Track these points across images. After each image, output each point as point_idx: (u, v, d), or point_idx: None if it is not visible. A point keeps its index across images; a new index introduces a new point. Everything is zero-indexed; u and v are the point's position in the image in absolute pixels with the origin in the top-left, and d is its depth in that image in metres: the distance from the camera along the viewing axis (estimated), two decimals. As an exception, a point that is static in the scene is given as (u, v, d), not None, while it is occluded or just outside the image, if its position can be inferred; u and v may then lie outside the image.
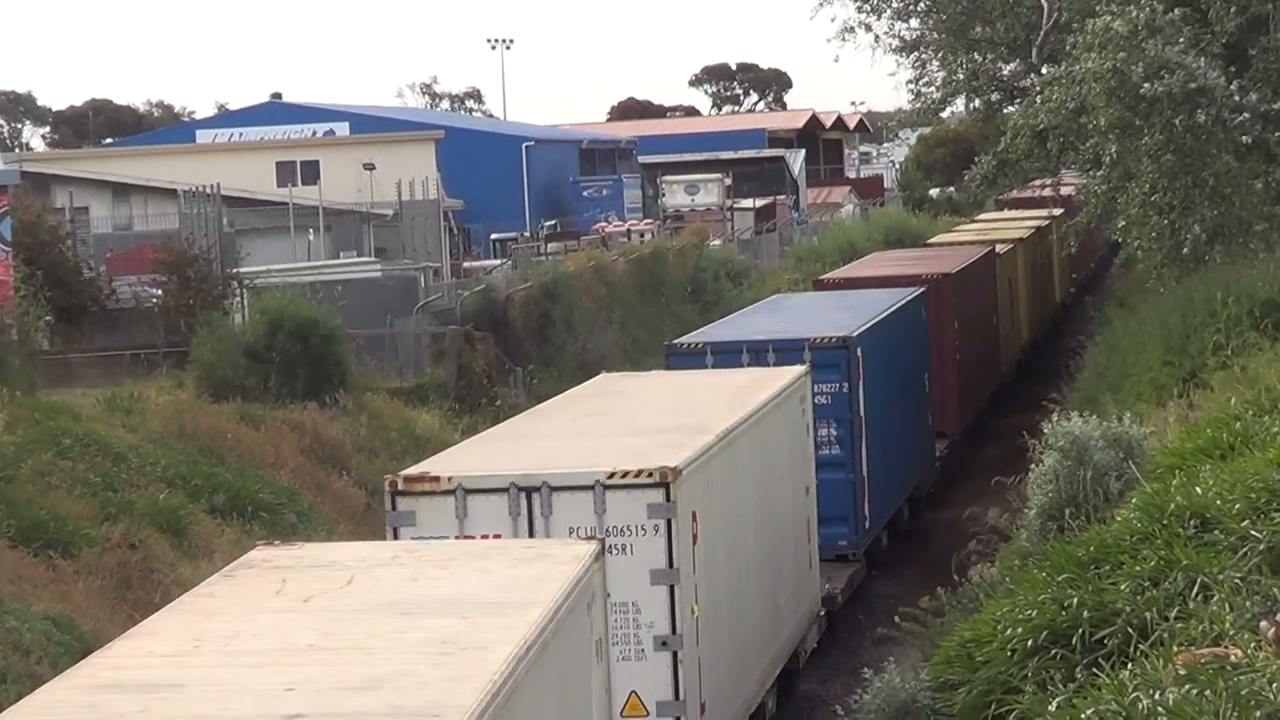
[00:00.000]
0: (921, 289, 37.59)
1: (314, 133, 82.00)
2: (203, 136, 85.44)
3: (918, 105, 49.57)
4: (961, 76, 47.49)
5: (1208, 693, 11.98)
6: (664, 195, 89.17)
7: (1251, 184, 34.79)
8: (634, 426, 21.65)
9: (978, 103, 49.05)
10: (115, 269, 49.96)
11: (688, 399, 23.67)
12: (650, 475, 18.21)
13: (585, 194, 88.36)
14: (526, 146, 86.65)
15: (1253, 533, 15.11)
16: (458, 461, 19.63)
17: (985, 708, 15.42)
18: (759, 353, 28.69)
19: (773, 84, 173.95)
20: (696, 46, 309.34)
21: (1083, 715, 12.66)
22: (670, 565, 18.23)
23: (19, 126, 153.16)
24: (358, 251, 60.74)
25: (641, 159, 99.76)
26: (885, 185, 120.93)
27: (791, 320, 33.04)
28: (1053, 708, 13.56)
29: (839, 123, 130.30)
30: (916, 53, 47.87)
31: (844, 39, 48.24)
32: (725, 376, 26.27)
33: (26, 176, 56.06)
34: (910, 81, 48.32)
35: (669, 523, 18.21)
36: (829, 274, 46.22)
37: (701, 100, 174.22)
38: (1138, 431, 21.91)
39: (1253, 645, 12.87)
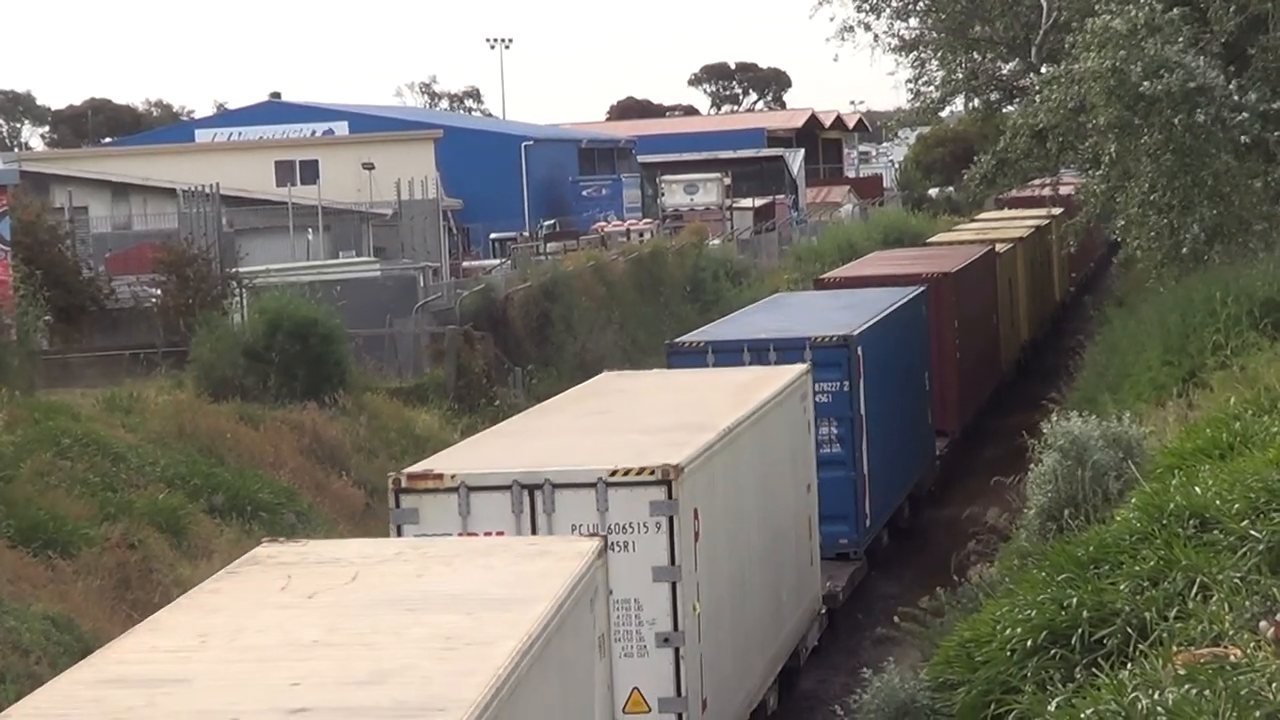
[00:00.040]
0: (922, 288, 37.64)
1: (313, 132, 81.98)
2: (202, 136, 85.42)
3: (917, 104, 49.56)
4: (961, 76, 47.48)
5: (1207, 693, 11.97)
6: (663, 195, 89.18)
7: (1251, 183, 34.78)
8: (636, 424, 21.70)
9: (977, 102, 49.07)
10: (114, 269, 49.97)
11: (689, 397, 23.72)
12: (652, 473, 18.28)
13: (584, 193, 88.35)
14: (526, 146, 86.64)
15: (1252, 532, 15.10)
16: (461, 459, 19.69)
17: (985, 708, 15.41)
18: (760, 351, 28.74)
19: (772, 83, 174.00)
20: (696, 46, 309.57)
21: (1082, 715, 12.66)
22: (672, 562, 18.30)
23: (18, 126, 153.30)
24: (357, 251, 60.73)
25: (640, 158, 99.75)
26: (884, 185, 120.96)
27: (792, 319, 33.08)
28: (1052, 708, 13.55)
29: (838, 122, 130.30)
30: (916, 52, 47.86)
31: (843, 38, 48.27)
32: (726, 375, 26.33)
33: (26, 176, 56.10)
34: (909, 81, 48.35)
35: (671, 520, 18.27)
36: (829, 273, 46.26)
37: (701, 100, 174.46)
38: (1137, 431, 21.91)
39: (1252, 645, 12.86)
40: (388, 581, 12.96)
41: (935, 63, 47.62)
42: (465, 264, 65.74)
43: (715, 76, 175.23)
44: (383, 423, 40.27)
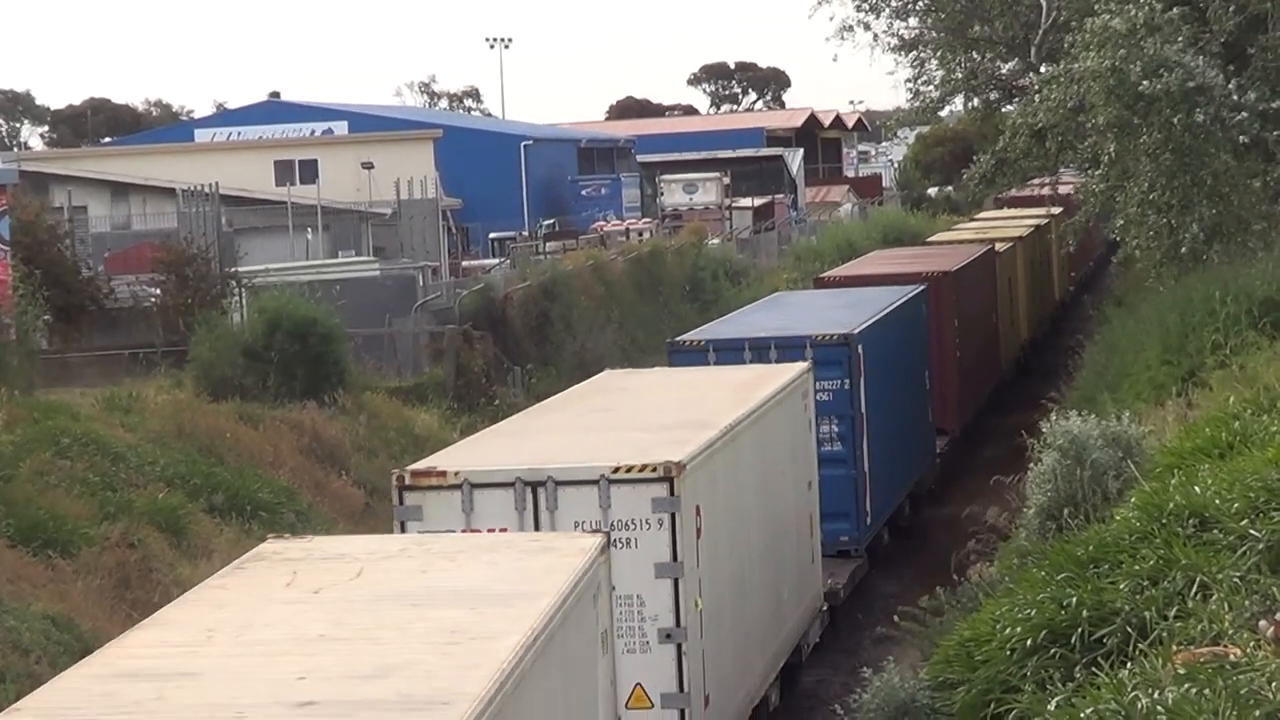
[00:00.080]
0: (922, 287, 37.73)
1: (312, 132, 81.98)
2: (201, 136, 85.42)
3: (916, 104, 49.55)
4: (960, 75, 47.49)
5: (1207, 692, 11.97)
6: (662, 194, 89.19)
7: (1250, 183, 34.78)
8: (638, 422, 21.79)
9: (976, 101, 49.07)
10: (114, 268, 49.97)
11: (691, 395, 23.82)
12: (654, 470, 18.36)
13: (584, 193, 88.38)
14: (525, 145, 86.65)
15: (1251, 532, 15.10)
16: (464, 456, 19.79)
17: (984, 707, 15.42)
18: (761, 350, 28.83)
19: (771, 83, 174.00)
20: (695, 45, 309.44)
21: (1082, 714, 12.66)
22: (674, 559, 18.39)
23: (17, 126, 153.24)
24: (356, 251, 60.73)
25: (640, 158, 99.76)
26: (884, 184, 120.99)
27: (793, 317, 33.17)
28: (1052, 707, 13.56)
29: (837, 121, 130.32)
30: (915, 51, 47.86)
31: (842, 38, 48.27)
32: (728, 373, 26.44)
33: (25, 176, 56.12)
34: (909, 80, 48.34)
35: (673, 517, 18.36)
36: (830, 272, 46.34)
37: (700, 99, 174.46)
38: (1136, 431, 21.90)
39: (1252, 644, 12.86)
40: (392, 577, 13.05)
41: (934, 62, 47.63)
42: (464, 263, 65.74)
43: (714, 76, 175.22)
44: (382, 422, 40.28)
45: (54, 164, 72.81)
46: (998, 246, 49.80)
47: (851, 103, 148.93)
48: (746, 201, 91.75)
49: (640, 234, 75.01)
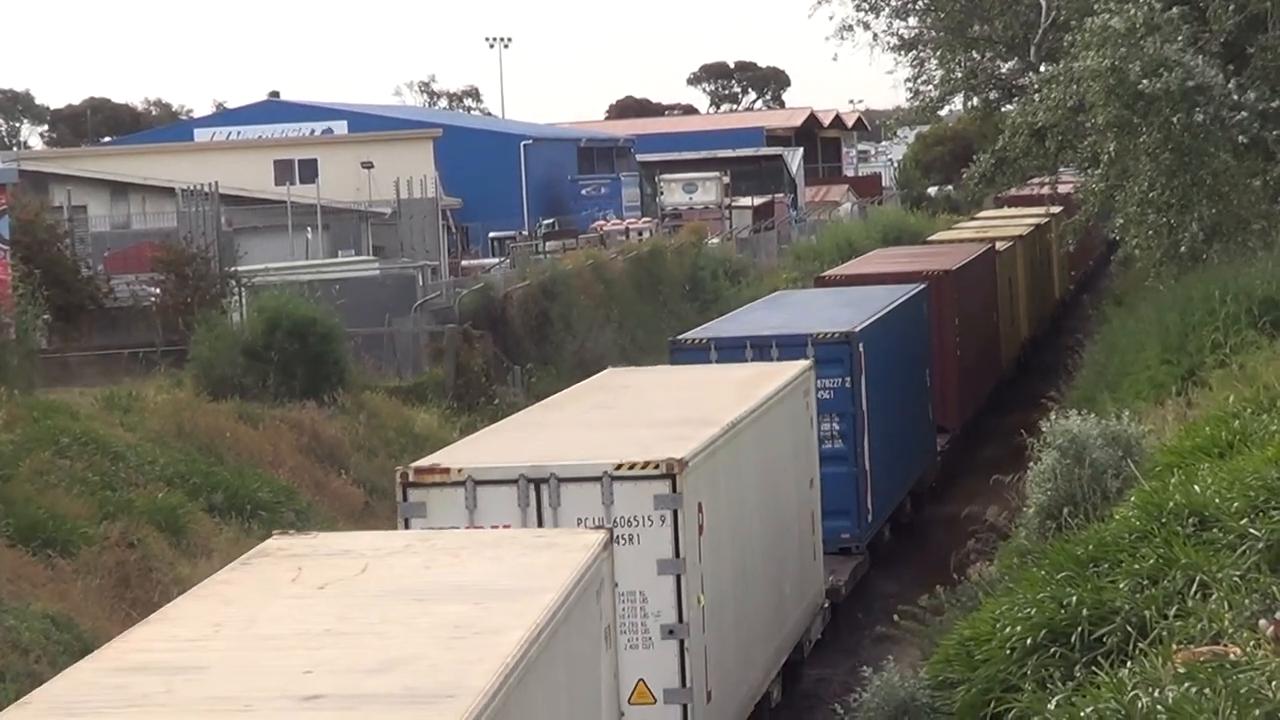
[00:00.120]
0: (923, 285, 37.80)
1: (312, 131, 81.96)
2: (201, 135, 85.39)
3: (916, 103, 49.53)
4: (960, 75, 47.47)
5: (1207, 691, 11.97)
6: (662, 193, 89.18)
7: (1249, 182, 34.79)
8: (640, 419, 21.90)
9: (976, 101, 49.04)
10: (113, 268, 49.95)
11: (693, 393, 23.92)
12: (657, 467, 18.45)
13: (583, 192, 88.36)
14: (525, 145, 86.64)
15: (1251, 531, 15.10)
16: (467, 453, 19.89)
17: (984, 706, 15.42)
18: (763, 348, 28.90)
19: (771, 82, 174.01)
20: (695, 45, 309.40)
21: (1082, 713, 12.66)
22: (677, 555, 18.47)
23: (17, 125, 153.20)
24: (356, 250, 60.73)
25: (639, 157, 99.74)
26: (883, 183, 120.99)
27: (794, 316, 33.25)
28: (1052, 706, 13.56)
29: (837, 121, 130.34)
30: (915, 51, 47.84)
31: (842, 37, 48.24)
32: (730, 371, 26.54)
33: (24, 175, 56.07)
34: (908, 80, 48.32)
35: (675, 513, 18.44)
36: (831, 270, 46.39)
37: (700, 98, 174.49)
38: (1136, 430, 21.91)
39: (1252, 643, 12.86)
40: (397, 573, 13.15)
41: (934, 62, 47.62)
42: (464, 263, 65.73)
43: (714, 75, 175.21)
44: (382, 421, 40.28)
45: (53, 163, 72.78)
46: (998, 245, 49.83)
47: (851, 102, 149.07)
48: (746, 201, 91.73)
49: (640, 233, 75.00)
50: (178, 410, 35.91)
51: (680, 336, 31.53)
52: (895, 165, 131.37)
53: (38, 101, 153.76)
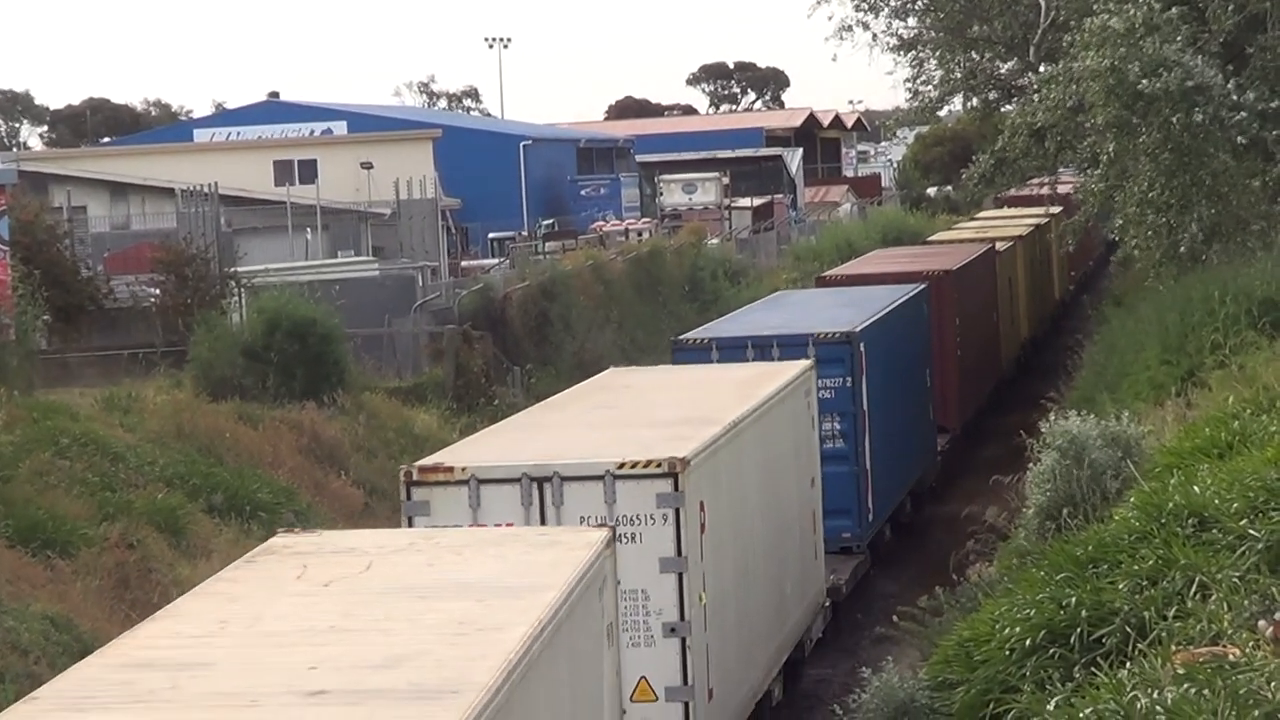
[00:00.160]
0: (923, 285, 37.86)
1: (311, 132, 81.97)
2: (200, 136, 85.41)
3: (915, 104, 49.51)
4: (959, 75, 47.45)
5: (1206, 692, 11.97)
6: (661, 194, 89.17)
7: (1249, 183, 34.78)
8: (643, 419, 21.99)
9: (975, 101, 49.02)
10: (113, 268, 49.95)
11: (695, 392, 24.01)
12: (659, 465, 18.53)
13: (583, 193, 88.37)
14: (524, 145, 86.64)
15: (1251, 532, 15.10)
16: (471, 452, 19.98)
17: (983, 707, 15.42)
18: (764, 348, 28.97)
19: (770, 83, 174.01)
20: (694, 45, 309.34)
21: (1081, 714, 12.66)
22: (679, 553, 18.55)
23: (17, 125, 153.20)
24: (355, 251, 60.73)
25: (639, 158, 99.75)
26: (883, 184, 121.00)
27: (795, 316, 33.33)
28: (1051, 707, 13.56)
29: (836, 121, 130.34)
30: (914, 51, 47.82)
31: (841, 37, 48.21)
32: (731, 370, 26.63)
33: (24, 176, 56.06)
34: (908, 80, 48.29)
35: (677, 512, 18.53)
36: (832, 270, 46.44)
37: (699, 99, 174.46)
38: (1136, 430, 21.90)
39: (1251, 644, 12.86)
40: (401, 570, 13.24)
41: (933, 62, 47.59)
42: (464, 263, 65.76)
43: (714, 76, 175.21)
44: (381, 422, 40.28)
45: (53, 164, 72.77)
46: (998, 246, 49.87)
47: (850, 102, 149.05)
48: (746, 201, 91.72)
49: (639, 234, 75.01)
50: (177, 411, 35.91)
51: (681, 336, 31.62)
52: (895, 166, 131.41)
53: (37, 102, 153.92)
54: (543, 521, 18.35)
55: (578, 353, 51.07)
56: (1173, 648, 13.34)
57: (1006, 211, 67.57)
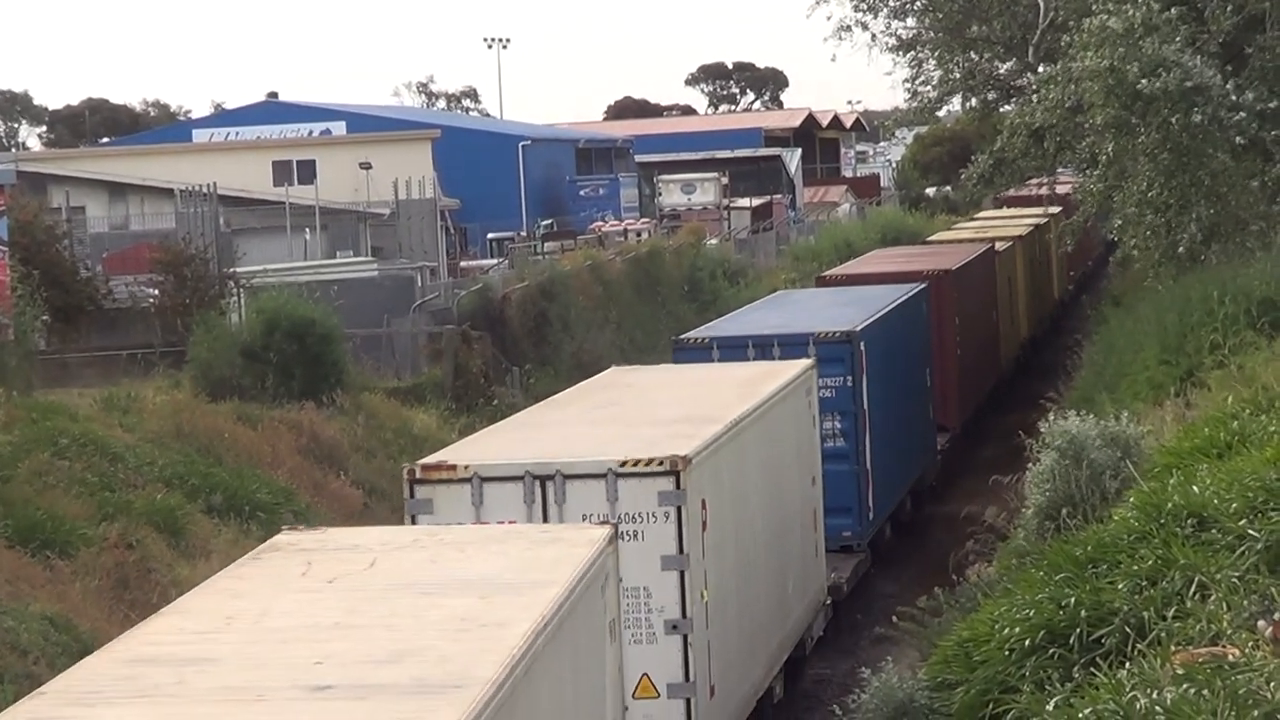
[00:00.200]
0: (923, 285, 37.93)
1: (310, 132, 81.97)
2: (199, 136, 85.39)
3: (914, 104, 49.51)
4: (958, 75, 47.44)
5: (1205, 692, 11.97)
6: (660, 194, 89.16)
7: (1248, 183, 34.77)
8: (645, 417, 22.08)
9: (974, 102, 49.00)
10: (112, 268, 49.95)
11: (696, 391, 24.12)
12: (661, 463, 18.62)
13: (582, 193, 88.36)
14: (523, 146, 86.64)
15: (1250, 532, 15.09)
16: (474, 450, 20.08)
17: (983, 707, 15.41)
18: (764, 347, 29.03)
19: (769, 83, 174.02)
20: (693, 45, 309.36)
21: (1080, 714, 12.66)
22: (680, 551, 18.64)
23: (15, 126, 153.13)
24: (354, 251, 60.73)
25: (638, 158, 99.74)
26: (882, 184, 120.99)
27: (796, 315, 33.40)
28: (1050, 707, 13.56)
29: (835, 122, 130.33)
30: (913, 52, 47.79)
31: (840, 38, 48.19)
32: (732, 369, 26.73)
33: (23, 176, 56.05)
34: (907, 80, 48.26)
35: (679, 510, 18.61)
36: (832, 270, 46.49)
37: (698, 99, 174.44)
38: (1135, 430, 21.89)
39: (1250, 644, 12.86)
40: (405, 567, 13.32)
41: (932, 62, 47.57)
42: (463, 264, 65.76)
43: (712, 76, 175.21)
44: (380, 422, 40.28)
45: (52, 164, 72.75)
46: (997, 245, 49.93)
47: (849, 103, 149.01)
48: (745, 202, 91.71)
49: (638, 234, 75.02)
50: (176, 411, 35.91)
51: (682, 336, 31.71)
52: (893, 166, 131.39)
53: (36, 102, 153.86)
54: (545, 519, 18.44)
55: (576, 353, 51.07)
56: (1172, 648, 13.34)
57: (1006, 212, 67.62)
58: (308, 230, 60.63)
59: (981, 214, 71.20)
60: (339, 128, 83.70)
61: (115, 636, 12.47)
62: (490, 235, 74.69)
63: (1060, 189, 59.34)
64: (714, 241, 74.06)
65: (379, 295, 48.76)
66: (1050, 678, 14.55)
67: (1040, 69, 42.15)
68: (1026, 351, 53.97)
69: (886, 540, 32.21)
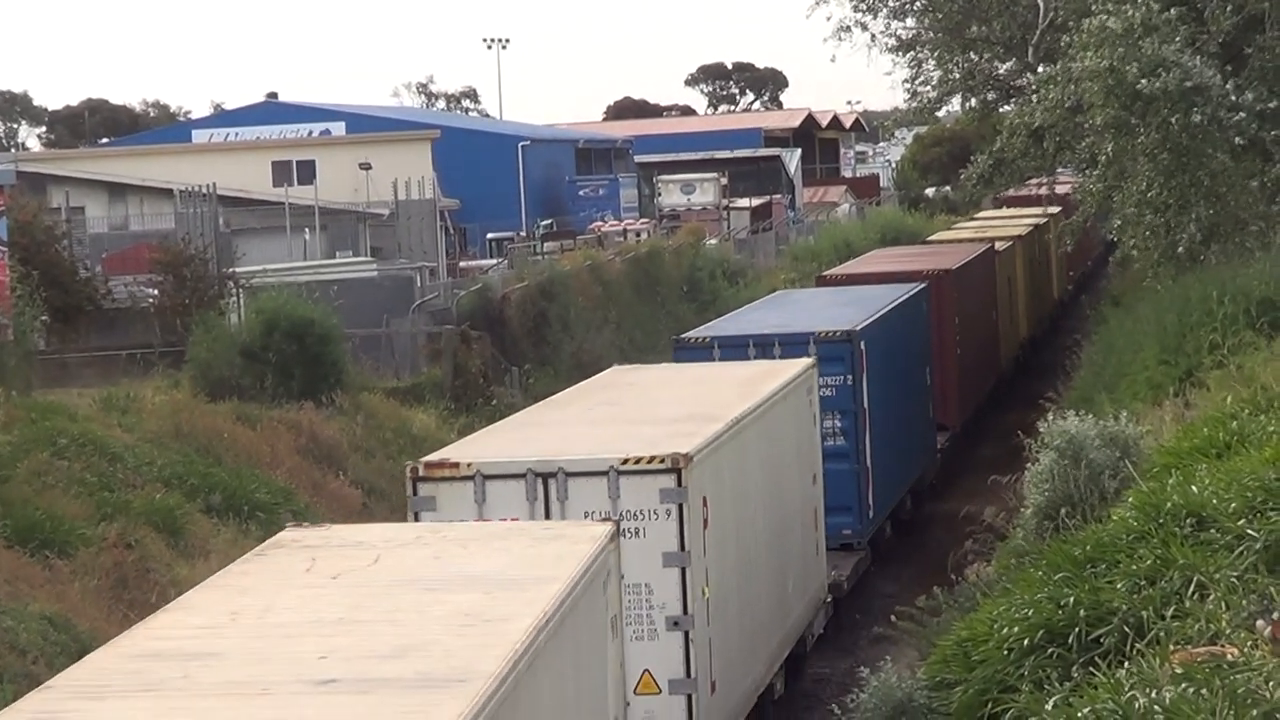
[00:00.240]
0: (923, 284, 37.99)
1: (310, 132, 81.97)
2: (198, 136, 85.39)
3: (914, 104, 49.50)
4: (957, 76, 47.43)
5: (1204, 691, 11.97)
6: (660, 194, 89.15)
7: (1247, 183, 34.77)
8: (646, 415, 22.16)
9: (974, 102, 48.99)
10: (111, 269, 49.96)
11: (698, 390, 24.20)
12: (663, 461, 18.70)
13: (581, 193, 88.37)
14: (522, 146, 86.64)
15: (1249, 531, 15.09)
16: (477, 448, 20.17)
17: (981, 706, 15.41)
18: (765, 347, 29.08)
19: (769, 83, 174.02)
20: (693, 46, 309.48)
21: (1079, 714, 12.65)
22: (682, 548, 18.71)
23: (15, 126, 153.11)
24: (354, 251, 60.74)
25: (637, 158, 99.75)
26: (881, 184, 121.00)
27: (796, 315, 33.45)
28: (1049, 707, 13.55)
29: (835, 122, 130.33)
30: (912, 52, 47.79)
31: (840, 38, 48.18)
32: (733, 368, 26.80)
33: (22, 176, 56.04)
34: (906, 81, 48.25)
35: (681, 507, 18.69)
36: (832, 270, 46.54)
37: (698, 99, 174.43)
38: (1134, 430, 21.89)
39: (1249, 644, 12.85)
40: (408, 563, 13.39)
41: (932, 62, 47.57)
42: (462, 264, 65.77)
43: (712, 76, 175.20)
44: (379, 422, 40.28)
45: (51, 164, 72.75)
46: (997, 245, 49.96)
47: (849, 103, 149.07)
48: (744, 202, 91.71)
49: (638, 234, 75.03)
50: (175, 411, 35.90)
51: (683, 335, 31.77)
52: (893, 166, 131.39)
53: (35, 103, 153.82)
54: (547, 516, 18.51)
55: (576, 353, 51.07)
56: (1171, 647, 13.34)
57: (1005, 212, 67.63)
58: (307, 230, 60.63)
59: (981, 214, 71.21)
60: (338, 128, 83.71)
61: (114, 636, 12.50)
62: (490, 235, 74.69)
63: (1060, 189, 59.36)
64: (713, 242, 74.07)
65: (378, 295, 48.76)
66: (1049, 677, 14.54)
67: (1040, 69, 42.15)
68: (1026, 351, 54.00)
69: (887, 538, 32.26)
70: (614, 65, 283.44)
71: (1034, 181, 51.73)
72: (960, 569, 24.56)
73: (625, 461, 18.69)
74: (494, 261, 65.31)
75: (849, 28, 47.82)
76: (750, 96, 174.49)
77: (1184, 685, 12.18)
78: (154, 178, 66.27)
